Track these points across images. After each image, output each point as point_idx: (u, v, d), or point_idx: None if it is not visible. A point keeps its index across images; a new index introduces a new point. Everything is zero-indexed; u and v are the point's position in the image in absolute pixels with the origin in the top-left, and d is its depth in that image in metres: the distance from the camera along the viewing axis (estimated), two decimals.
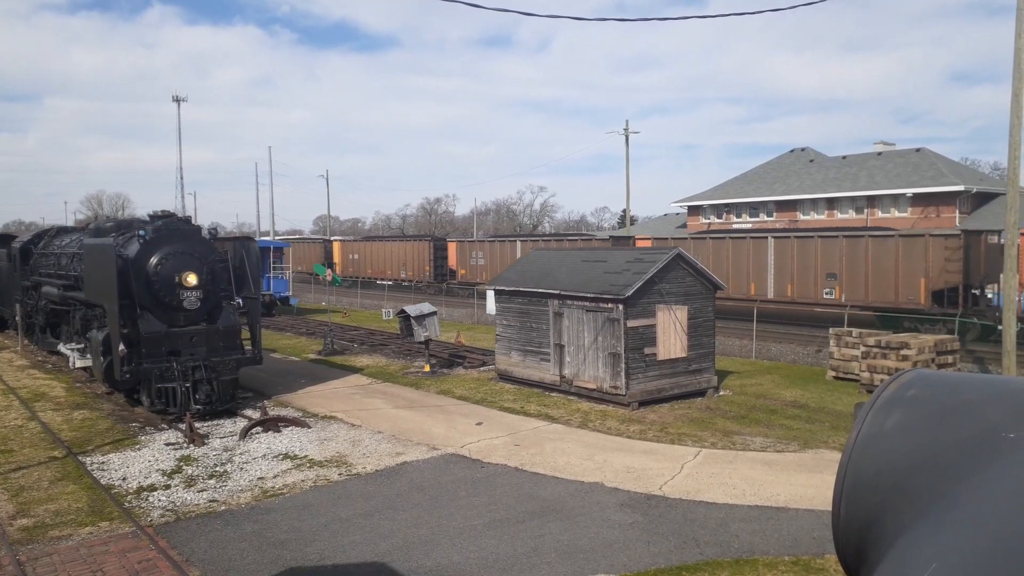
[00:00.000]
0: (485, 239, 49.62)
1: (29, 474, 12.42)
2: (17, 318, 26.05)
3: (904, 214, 45.60)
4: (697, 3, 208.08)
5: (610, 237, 41.93)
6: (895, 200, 46.78)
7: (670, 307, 17.01)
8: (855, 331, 19.92)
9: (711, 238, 32.63)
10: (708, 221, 56.85)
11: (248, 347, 17.47)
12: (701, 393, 17.78)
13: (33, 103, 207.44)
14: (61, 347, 20.76)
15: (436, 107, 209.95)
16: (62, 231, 25.30)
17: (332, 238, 69.94)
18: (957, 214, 43.84)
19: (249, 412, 16.55)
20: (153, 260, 16.10)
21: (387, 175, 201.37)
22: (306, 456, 13.31)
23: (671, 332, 17.06)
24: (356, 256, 56.13)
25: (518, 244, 42.24)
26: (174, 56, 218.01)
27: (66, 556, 9.09)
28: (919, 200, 45.26)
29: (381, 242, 56.77)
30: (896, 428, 1.56)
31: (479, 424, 15.53)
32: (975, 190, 44.45)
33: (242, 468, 12.67)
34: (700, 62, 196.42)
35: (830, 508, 1.68)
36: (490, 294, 22.68)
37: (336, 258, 57.91)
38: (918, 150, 50.21)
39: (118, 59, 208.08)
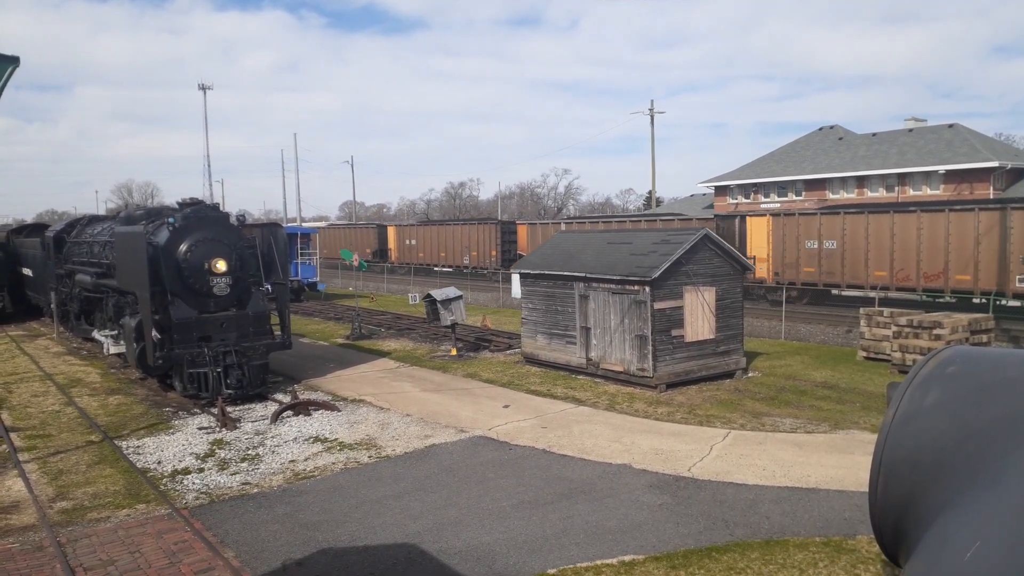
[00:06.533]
0: (417, 224, 59.06)
1: (68, 458, 12.71)
2: (52, 306, 26.55)
3: (936, 191, 44.73)
4: None
5: (500, 221, 48.56)
6: (927, 177, 45.88)
7: (697, 288, 16.89)
8: (886, 311, 19.64)
9: (544, 223, 41.77)
10: (735, 201, 56.24)
11: (278, 332, 17.67)
12: (730, 375, 17.67)
13: (64, 92, 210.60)
14: (95, 334, 21.14)
15: (462, 89, 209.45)
16: (94, 220, 25.62)
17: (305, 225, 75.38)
18: (991, 190, 42.91)
19: (280, 396, 16.76)
20: (183, 247, 16.29)
21: (412, 159, 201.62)
22: (336, 439, 13.47)
23: (699, 313, 16.95)
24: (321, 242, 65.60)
25: (436, 228, 52.35)
26: (202, 42, 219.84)
27: (104, 538, 9.30)
28: (952, 177, 44.35)
29: (339, 229, 67.53)
30: (936, 405, 1.54)
31: (506, 407, 15.58)
32: (1009, 166, 43.45)
33: (274, 451, 12.85)
34: (732, 38, 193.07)
35: (861, 489, 1.67)
36: (515, 278, 22.62)
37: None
38: (951, 126, 49.13)
39: (147, 46, 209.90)
